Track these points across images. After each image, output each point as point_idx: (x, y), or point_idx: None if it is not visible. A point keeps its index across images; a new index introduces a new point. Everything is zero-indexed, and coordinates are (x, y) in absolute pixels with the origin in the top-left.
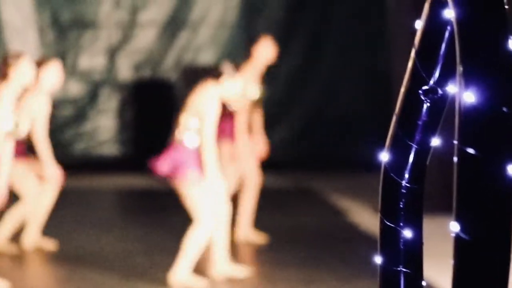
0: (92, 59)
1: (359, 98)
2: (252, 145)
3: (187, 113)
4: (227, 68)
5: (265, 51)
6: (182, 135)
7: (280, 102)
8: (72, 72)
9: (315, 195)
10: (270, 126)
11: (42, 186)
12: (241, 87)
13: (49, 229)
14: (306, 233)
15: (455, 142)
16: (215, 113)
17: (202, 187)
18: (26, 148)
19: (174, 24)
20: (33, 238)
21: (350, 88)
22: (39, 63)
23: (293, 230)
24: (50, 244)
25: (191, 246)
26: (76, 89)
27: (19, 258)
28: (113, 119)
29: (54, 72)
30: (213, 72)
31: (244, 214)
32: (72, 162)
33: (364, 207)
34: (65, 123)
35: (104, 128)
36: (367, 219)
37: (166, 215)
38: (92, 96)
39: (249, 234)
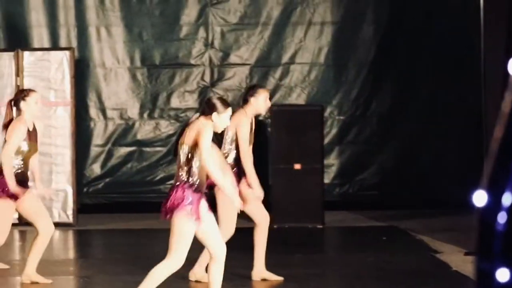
0: (183, 98)
1: (450, 138)
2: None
3: (184, 150)
4: (219, 104)
5: (262, 102)
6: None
7: (371, 141)
8: (163, 111)
9: (404, 235)
10: (361, 165)
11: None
12: (227, 121)
13: (141, 267)
14: (395, 272)
15: None
16: (209, 139)
17: (191, 225)
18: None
19: (266, 63)
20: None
21: (441, 128)
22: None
23: (381, 269)
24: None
25: (154, 278)
26: (168, 128)
27: None
28: None
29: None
30: (204, 109)
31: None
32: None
33: (455, 247)
34: (157, 162)
35: None
36: (457, 259)
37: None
38: None
39: None
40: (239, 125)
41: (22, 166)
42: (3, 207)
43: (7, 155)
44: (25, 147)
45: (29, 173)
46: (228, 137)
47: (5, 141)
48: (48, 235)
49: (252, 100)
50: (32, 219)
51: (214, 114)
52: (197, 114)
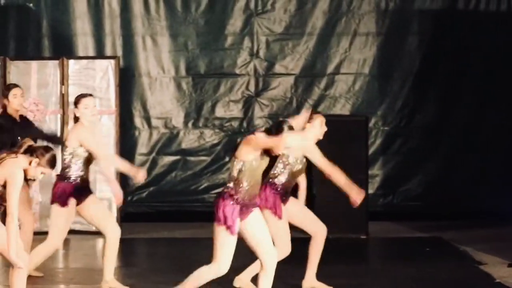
0: (228, 108)
1: (495, 149)
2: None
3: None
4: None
5: (318, 127)
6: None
7: (415, 152)
8: (208, 120)
9: (448, 246)
10: (405, 176)
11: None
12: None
13: (184, 276)
14: (439, 283)
15: None
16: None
17: (228, 236)
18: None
19: (310, 74)
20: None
21: (486, 139)
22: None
23: (425, 280)
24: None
25: (194, 278)
26: (212, 137)
27: None
28: None
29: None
30: (272, 128)
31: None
32: (208, 210)
33: (499, 258)
34: (201, 171)
35: None
36: (501, 271)
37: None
38: (228, 145)
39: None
40: (308, 151)
41: (83, 171)
42: (59, 212)
43: (104, 157)
44: (84, 151)
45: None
46: (282, 160)
47: (63, 143)
48: (115, 239)
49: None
50: (96, 224)
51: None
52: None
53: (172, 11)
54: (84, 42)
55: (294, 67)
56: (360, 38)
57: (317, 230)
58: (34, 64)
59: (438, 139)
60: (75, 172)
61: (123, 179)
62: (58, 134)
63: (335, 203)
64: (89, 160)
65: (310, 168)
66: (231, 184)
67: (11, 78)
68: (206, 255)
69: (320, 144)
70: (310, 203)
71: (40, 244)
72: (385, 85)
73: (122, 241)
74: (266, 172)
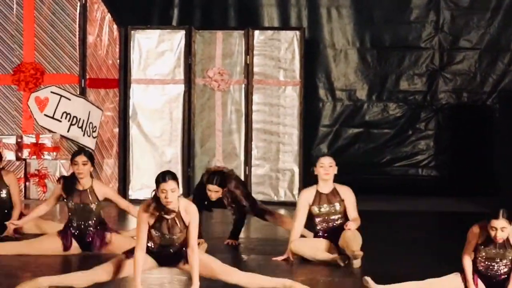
0: (412, 81)
1: None
2: None
3: None
4: None
5: None
6: None
7: None
8: (392, 93)
9: None
10: None
11: None
12: None
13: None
14: None
15: None
16: None
17: None
18: None
19: (495, 48)
20: None
21: None
22: None
23: None
24: None
25: None
26: (396, 111)
27: None
28: (431, 142)
29: None
30: None
31: None
32: (390, 183)
33: None
34: (384, 144)
35: (422, 150)
36: None
37: None
38: (411, 118)
39: None
40: None
41: None
42: None
43: None
44: None
45: None
46: None
47: None
48: None
49: None
50: None
51: None
52: None
53: None
54: (269, 12)
55: (478, 42)
56: None
57: None
58: (219, 34)
59: None
60: None
61: (306, 151)
62: None
63: None
64: None
65: (492, 144)
66: None
67: (196, 48)
68: (386, 228)
69: (504, 118)
70: (492, 179)
71: None
72: None
73: None
74: None
